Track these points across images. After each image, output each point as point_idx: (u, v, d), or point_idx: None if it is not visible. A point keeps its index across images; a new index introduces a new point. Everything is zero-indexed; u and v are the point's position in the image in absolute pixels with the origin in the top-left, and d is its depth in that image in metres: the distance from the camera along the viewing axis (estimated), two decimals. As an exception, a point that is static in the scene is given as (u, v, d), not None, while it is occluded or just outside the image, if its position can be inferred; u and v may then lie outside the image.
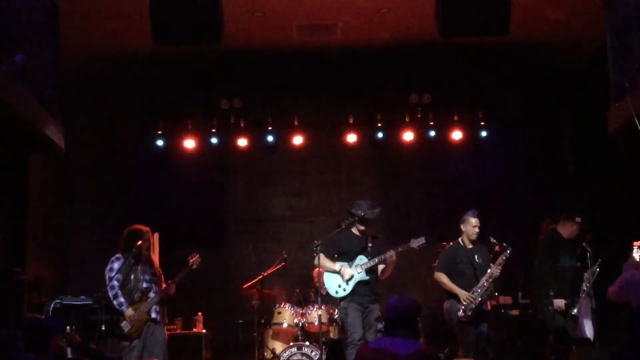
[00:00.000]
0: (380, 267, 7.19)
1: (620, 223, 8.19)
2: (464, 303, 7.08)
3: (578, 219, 7.71)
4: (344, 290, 7.07)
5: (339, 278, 7.09)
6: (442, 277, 7.28)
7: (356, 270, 7.07)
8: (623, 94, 6.05)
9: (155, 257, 7.62)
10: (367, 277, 7.09)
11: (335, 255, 7.27)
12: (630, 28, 5.92)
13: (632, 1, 5.92)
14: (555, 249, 7.58)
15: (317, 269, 7.18)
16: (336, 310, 7.54)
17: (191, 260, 7.20)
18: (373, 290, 7.17)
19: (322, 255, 7.14)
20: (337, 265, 7.13)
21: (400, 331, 4.13)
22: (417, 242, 7.18)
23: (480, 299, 7.09)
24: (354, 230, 7.27)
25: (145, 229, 7.12)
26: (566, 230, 7.67)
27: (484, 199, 9.06)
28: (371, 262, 7.08)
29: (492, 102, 9.85)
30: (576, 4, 7.79)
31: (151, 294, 7.00)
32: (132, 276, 6.98)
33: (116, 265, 6.96)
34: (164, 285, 7.09)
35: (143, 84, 9.60)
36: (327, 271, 7.16)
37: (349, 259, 7.14)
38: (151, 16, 6.66)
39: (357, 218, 7.16)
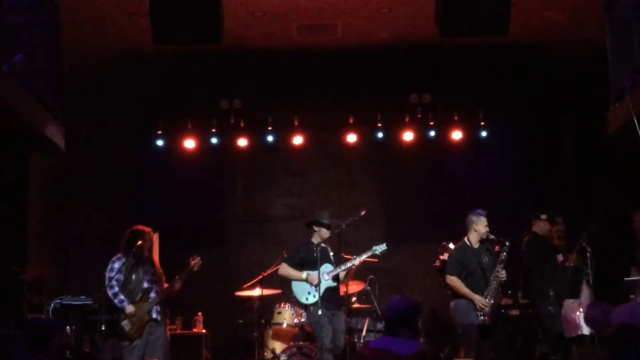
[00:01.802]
0: (342, 274, 7.38)
1: (620, 223, 8.18)
2: (482, 309, 7.02)
3: (543, 216, 7.77)
4: (314, 296, 7.23)
5: (307, 285, 7.27)
6: (456, 282, 7.15)
7: (323, 278, 7.21)
8: (623, 94, 6.06)
9: (155, 257, 7.61)
10: (334, 284, 7.30)
11: (300, 265, 7.43)
12: (631, 29, 5.93)
13: (632, 2, 5.93)
14: (539, 251, 7.64)
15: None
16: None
17: (192, 262, 7.19)
18: (337, 297, 7.39)
19: (285, 265, 7.43)
20: (303, 273, 7.31)
21: (401, 331, 4.14)
22: (379, 249, 7.36)
23: (492, 301, 7.07)
24: (315, 240, 7.42)
25: (147, 229, 7.12)
26: (541, 229, 7.74)
27: (483, 199, 9.03)
28: (337, 269, 7.27)
29: (492, 102, 9.84)
30: (576, 4, 7.80)
31: (152, 294, 6.99)
32: (133, 276, 6.98)
33: (116, 265, 6.96)
34: (165, 285, 7.09)
35: (143, 84, 9.59)
36: (294, 280, 7.33)
37: (314, 267, 7.23)
38: (151, 16, 6.66)
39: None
